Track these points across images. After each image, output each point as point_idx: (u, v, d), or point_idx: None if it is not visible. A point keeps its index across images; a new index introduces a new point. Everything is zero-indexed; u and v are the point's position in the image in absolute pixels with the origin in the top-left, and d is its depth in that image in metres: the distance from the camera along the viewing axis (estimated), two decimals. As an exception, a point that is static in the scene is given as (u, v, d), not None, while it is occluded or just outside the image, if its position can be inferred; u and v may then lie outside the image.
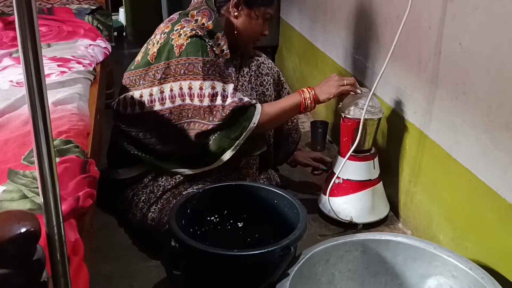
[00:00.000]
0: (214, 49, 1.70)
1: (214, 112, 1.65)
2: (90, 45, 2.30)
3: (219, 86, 1.65)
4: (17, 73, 1.89)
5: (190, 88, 1.65)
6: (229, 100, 1.65)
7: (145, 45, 1.81)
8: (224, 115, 1.64)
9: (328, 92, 1.74)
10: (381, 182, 1.85)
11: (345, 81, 1.76)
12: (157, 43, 1.72)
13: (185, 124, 1.68)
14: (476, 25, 1.41)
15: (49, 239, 0.77)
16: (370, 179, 1.81)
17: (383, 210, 1.87)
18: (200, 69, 1.64)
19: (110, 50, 2.43)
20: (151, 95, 1.70)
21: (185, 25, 1.69)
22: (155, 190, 1.71)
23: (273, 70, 1.94)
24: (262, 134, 1.82)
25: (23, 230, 0.74)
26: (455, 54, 1.50)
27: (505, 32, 1.29)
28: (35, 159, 0.72)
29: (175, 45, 1.66)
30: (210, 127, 1.65)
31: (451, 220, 1.57)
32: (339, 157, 1.83)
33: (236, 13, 1.77)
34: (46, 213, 0.75)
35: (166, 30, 1.72)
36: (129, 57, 4.03)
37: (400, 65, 1.81)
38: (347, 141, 1.79)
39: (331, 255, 1.40)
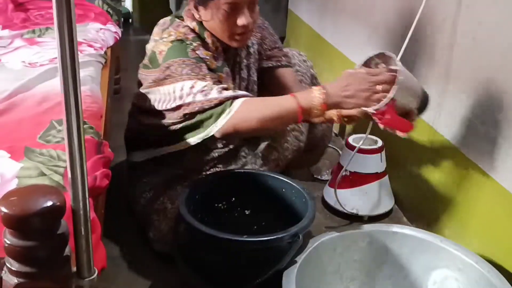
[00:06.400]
0: (200, 49, 1.57)
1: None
2: (101, 29, 2.30)
3: (195, 83, 1.50)
4: (29, 53, 1.90)
5: (180, 89, 1.52)
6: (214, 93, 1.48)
7: (147, 45, 1.72)
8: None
9: (355, 103, 1.37)
10: (387, 175, 1.87)
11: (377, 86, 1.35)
12: (148, 50, 1.65)
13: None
14: (491, 20, 1.41)
15: (75, 214, 0.78)
16: (377, 172, 1.82)
17: (388, 203, 1.88)
18: (178, 71, 1.51)
19: (120, 35, 2.44)
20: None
21: (173, 32, 1.60)
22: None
23: None
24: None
25: (49, 204, 0.76)
26: (469, 49, 1.51)
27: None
28: (64, 134, 0.73)
29: (157, 51, 1.59)
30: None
31: (457, 215, 1.59)
32: (347, 150, 1.84)
33: (198, 15, 1.59)
34: (73, 188, 0.76)
35: (157, 38, 1.64)
36: (135, 44, 4.04)
37: (412, 59, 1.81)
38: (355, 134, 1.81)
39: (338, 245, 1.41)
